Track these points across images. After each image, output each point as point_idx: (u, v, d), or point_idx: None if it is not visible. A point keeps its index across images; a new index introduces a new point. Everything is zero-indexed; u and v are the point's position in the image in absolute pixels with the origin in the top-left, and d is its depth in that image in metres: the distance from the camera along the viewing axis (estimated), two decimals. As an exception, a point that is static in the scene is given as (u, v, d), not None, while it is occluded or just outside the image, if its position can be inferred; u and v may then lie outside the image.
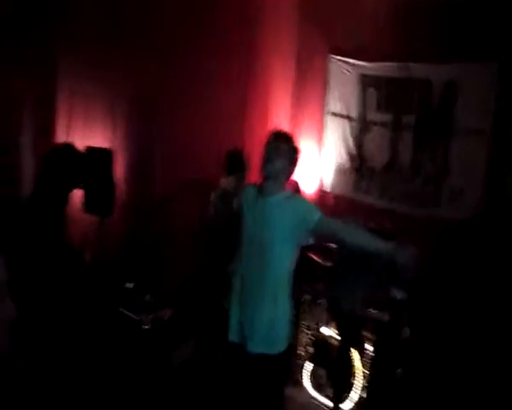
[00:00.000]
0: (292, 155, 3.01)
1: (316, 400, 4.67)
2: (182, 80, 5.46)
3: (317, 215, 2.86)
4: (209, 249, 4.64)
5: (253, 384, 3.02)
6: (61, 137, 4.93)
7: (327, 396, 4.56)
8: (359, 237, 2.96)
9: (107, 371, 4.14)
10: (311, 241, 4.28)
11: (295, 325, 5.02)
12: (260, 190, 3.01)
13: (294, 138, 3.12)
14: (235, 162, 4.58)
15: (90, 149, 4.56)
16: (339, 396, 4.38)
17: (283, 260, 2.94)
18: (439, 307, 4.27)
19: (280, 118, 6.37)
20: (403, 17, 5.30)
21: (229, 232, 4.66)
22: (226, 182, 4.57)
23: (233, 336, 3.06)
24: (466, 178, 4.91)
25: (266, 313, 2.92)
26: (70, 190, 3.97)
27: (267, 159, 2.94)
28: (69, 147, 4.02)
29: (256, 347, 2.95)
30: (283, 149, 2.95)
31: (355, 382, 4.44)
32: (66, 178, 3.87)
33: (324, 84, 6.28)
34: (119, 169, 4.94)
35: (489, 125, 4.77)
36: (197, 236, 4.99)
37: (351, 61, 6.00)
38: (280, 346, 2.98)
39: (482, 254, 4.33)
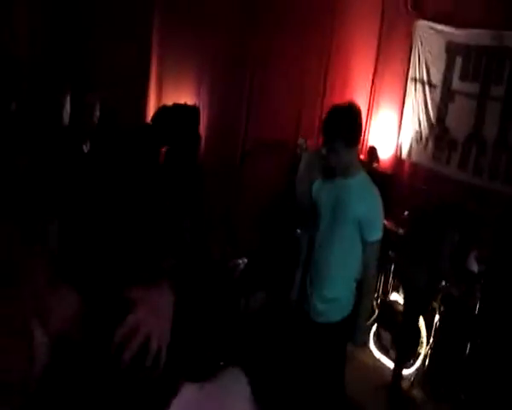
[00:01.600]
0: (351, 130, 2.80)
1: (380, 362, 4.81)
2: (269, 46, 5.51)
3: (377, 235, 2.86)
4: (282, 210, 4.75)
5: (313, 347, 3.10)
6: (153, 93, 5.09)
7: (391, 359, 4.69)
8: (367, 290, 2.99)
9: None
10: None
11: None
12: (330, 171, 2.93)
13: (352, 106, 2.86)
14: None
15: (178, 106, 4.75)
16: (401, 361, 4.49)
17: (354, 243, 2.92)
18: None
19: (362, 82, 6.35)
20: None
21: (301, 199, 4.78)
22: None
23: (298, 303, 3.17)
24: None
25: (329, 292, 2.99)
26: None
27: (329, 152, 2.82)
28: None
29: (317, 317, 3.02)
30: (340, 135, 2.76)
31: (420, 349, 4.55)
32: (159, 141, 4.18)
33: (408, 50, 6.16)
34: (204, 125, 5.09)
35: None
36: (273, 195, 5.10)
37: (438, 26, 5.83)
38: (341, 314, 3.02)
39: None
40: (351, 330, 3.15)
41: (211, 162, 5.31)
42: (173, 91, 5.05)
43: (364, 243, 2.88)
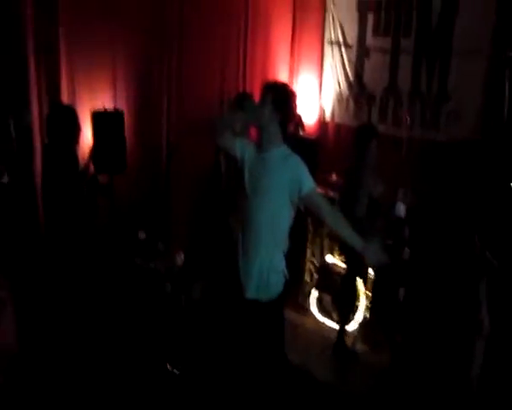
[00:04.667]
0: (278, 102, 2.95)
1: (323, 324, 4.84)
2: (186, 20, 5.37)
3: (311, 184, 2.92)
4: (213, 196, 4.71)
5: (251, 328, 3.12)
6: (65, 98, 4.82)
7: (333, 320, 4.72)
8: (340, 227, 2.97)
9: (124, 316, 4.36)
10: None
11: (301, 254, 5.17)
12: (258, 145, 3.05)
13: (285, 85, 3.07)
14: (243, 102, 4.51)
15: (100, 112, 4.60)
16: (344, 319, 4.53)
17: (281, 213, 3.00)
18: (440, 228, 4.33)
19: (282, 51, 6.32)
20: None
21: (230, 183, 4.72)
22: None
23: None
24: (464, 99, 4.88)
25: (260, 262, 3.02)
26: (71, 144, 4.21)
27: (259, 102, 2.97)
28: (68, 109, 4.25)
29: (250, 292, 3.05)
30: (267, 99, 2.94)
31: (359, 304, 4.59)
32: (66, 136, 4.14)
33: (323, 13, 6.17)
34: (128, 127, 4.92)
35: (487, 45, 4.69)
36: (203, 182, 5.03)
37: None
38: (271, 294, 3.06)
39: (480, 174, 4.35)
40: (280, 316, 3.20)
41: (137, 162, 5.20)
42: (88, 93, 4.85)
43: (303, 196, 2.92)
